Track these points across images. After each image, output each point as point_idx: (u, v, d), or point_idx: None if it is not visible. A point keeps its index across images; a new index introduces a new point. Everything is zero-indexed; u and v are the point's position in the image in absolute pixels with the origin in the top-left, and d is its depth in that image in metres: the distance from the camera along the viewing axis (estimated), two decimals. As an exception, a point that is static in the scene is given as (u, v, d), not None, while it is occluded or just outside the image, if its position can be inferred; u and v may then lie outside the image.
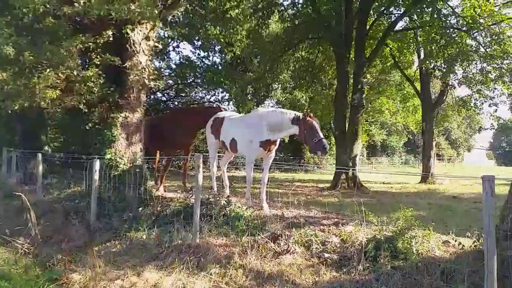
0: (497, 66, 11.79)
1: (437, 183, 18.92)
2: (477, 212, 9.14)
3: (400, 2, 14.43)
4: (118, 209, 7.78)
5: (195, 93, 26.41)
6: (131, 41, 8.09)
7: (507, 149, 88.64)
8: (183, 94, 25.90)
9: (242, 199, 7.78)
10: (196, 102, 26.12)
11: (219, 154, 8.84)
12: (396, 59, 19.53)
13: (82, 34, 7.20)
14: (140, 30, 8.29)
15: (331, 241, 5.15)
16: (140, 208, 7.54)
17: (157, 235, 6.32)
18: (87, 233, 7.32)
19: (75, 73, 7.41)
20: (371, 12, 14.95)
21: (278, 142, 7.42)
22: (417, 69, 20.07)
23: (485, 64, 12.23)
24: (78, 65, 7.55)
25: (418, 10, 14.02)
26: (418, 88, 19.60)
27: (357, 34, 14.85)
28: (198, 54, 24.17)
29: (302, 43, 18.87)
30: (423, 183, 18.89)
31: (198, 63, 23.79)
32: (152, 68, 8.26)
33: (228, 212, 6.51)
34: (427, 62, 13.68)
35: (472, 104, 13.36)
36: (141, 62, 8.10)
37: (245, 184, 7.65)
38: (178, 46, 23.03)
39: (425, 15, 13.67)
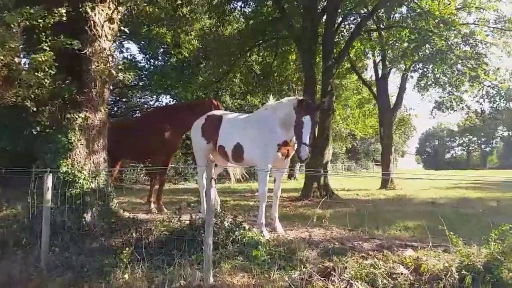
0: (471, 67, 11.53)
1: (397, 188, 18.76)
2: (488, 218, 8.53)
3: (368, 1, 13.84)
4: (76, 239, 5.94)
5: (139, 97, 24.08)
6: (92, 22, 6.31)
7: (432, 154, 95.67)
8: (124, 99, 23.50)
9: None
10: (139, 108, 23.85)
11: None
12: (353, 63, 19.19)
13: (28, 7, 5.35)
14: (102, 10, 6.53)
15: (401, 273, 3.91)
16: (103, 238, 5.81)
17: (145, 274, 4.67)
18: (37, 273, 5.40)
19: (16, 60, 5.56)
20: (340, 10, 14.21)
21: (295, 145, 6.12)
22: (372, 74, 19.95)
23: (459, 66, 11.95)
24: (19, 49, 5.67)
25: (387, 9, 13.63)
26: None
27: (325, 34, 14.03)
28: (145, 54, 22.06)
29: (262, 44, 17.77)
30: (383, 188, 18.62)
31: (144, 64, 21.69)
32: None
33: (239, 237, 5.03)
34: (401, 62, 13.21)
35: (448, 106, 13.09)
36: (105, 49, 6.34)
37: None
38: (122, 45, 20.71)
39: (395, 15, 13.35)
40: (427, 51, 12.65)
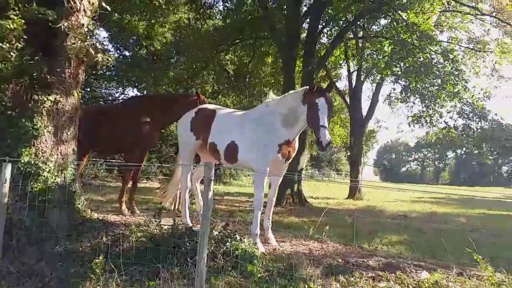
0: (453, 83, 11.57)
1: (364, 199, 18.77)
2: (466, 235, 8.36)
3: (352, 9, 13.65)
4: (37, 240, 5.10)
5: (105, 88, 22.75)
6: (69, -7, 5.51)
7: (388, 167, 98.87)
8: (89, 89, 22.12)
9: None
10: (102, 99, 22.54)
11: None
12: (328, 71, 19.06)
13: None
14: (81, -20, 5.75)
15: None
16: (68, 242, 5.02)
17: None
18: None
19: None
20: (323, 15, 13.94)
21: (296, 147, 5.59)
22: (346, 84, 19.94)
23: (439, 81, 11.97)
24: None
25: (370, 19, 13.52)
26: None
27: (307, 39, 13.71)
28: (115, 43, 20.87)
29: (239, 43, 17.22)
30: (351, 198, 18.56)
31: (113, 53, 20.52)
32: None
33: (230, 249, 4.43)
34: (383, 72, 13.08)
35: (427, 120, 13.09)
36: (83, 25, 5.54)
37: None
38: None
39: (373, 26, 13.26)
40: (409, 63, 12.59)
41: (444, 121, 12.76)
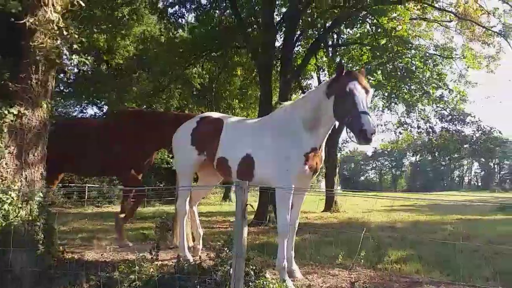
0: (436, 86, 11.44)
1: (341, 211, 18.34)
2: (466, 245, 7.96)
3: (327, 15, 13.31)
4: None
5: (62, 106, 21.05)
6: (34, -17, 4.50)
7: (348, 176, 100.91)
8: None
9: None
10: (61, 118, 20.81)
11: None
12: (299, 82, 18.66)
13: None
14: (49, -31, 4.75)
15: None
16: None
17: None
18: None
19: None
20: (300, 22, 13.47)
21: (323, 156, 4.75)
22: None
23: (420, 86, 11.82)
24: None
25: (348, 25, 13.25)
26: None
27: (284, 46, 13.15)
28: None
29: (208, 55, 16.38)
30: (328, 211, 18.10)
31: (72, 68, 18.95)
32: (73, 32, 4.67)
33: (257, 289, 3.54)
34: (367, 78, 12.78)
35: (413, 126, 12.89)
36: (52, 21, 4.53)
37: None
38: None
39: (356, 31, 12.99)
40: (388, 69, 12.38)
41: (430, 126, 12.58)
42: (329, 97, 4.19)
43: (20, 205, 4.34)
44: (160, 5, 15.05)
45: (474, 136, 13.47)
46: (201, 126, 5.30)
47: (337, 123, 5.09)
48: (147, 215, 14.04)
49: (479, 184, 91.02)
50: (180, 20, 14.44)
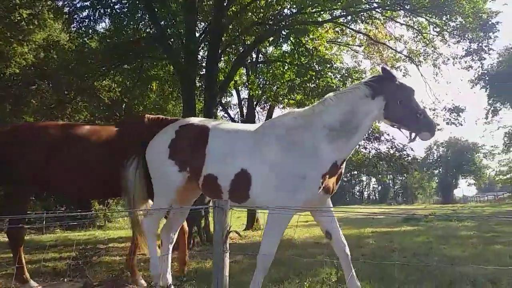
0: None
1: (262, 228, 17.95)
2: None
3: (251, 32, 13.25)
4: None
5: None
6: None
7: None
8: None
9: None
10: None
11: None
12: (220, 99, 18.31)
13: None
14: None
15: None
16: None
17: None
18: None
19: None
20: (224, 37, 13.13)
21: (343, 170, 4.11)
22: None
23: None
24: None
25: (272, 43, 13.31)
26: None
27: (208, 59, 12.64)
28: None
29: (120, 66, 15.12)
30: (249, 229, 17.63)
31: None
32: None
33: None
34: (290, 95, 12.83)
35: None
36: None
37: None
38: None
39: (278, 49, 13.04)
40: (309, 88, 12.61)
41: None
42: (374, 97, 3.78)
43: None
44: (66, 10, 13.58)
45: (389, 153, 14.24)
46: (182, 135, 4.25)
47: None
48: (49, 243, 12.16)
49: (376, 198, 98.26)
50: (91, 26, 13.07)
